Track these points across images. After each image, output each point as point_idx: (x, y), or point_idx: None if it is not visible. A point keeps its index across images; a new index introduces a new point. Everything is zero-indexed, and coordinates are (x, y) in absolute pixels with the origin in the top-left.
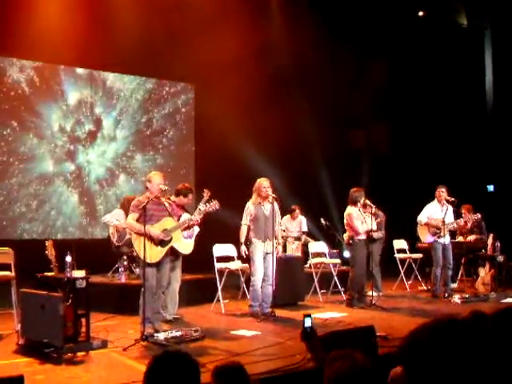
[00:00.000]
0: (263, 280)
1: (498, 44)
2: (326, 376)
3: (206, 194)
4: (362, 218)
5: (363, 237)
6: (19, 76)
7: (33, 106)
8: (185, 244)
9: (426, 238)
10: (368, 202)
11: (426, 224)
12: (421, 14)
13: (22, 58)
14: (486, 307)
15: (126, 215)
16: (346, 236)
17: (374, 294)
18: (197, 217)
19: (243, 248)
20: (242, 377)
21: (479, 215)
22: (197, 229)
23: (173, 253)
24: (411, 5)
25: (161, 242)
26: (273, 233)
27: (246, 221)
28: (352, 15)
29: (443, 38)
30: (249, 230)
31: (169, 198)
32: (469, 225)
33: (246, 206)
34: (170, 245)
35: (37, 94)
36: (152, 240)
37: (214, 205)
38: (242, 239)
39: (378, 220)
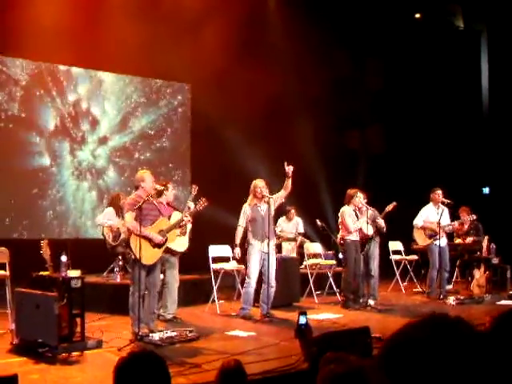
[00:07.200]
0: (263, 281)
1: (494, 47)
2: (321, 376)
3: (194, 189)
4: (354, 218)
5: (354, 237)
6: (15, 74)
7: (29, 104)
8: (179, 242)
9: (423, 241)
10: (364, 203)
11: (423, 227)
12: (417, 16)
13: (18, 56)
14: (481, 309)
15: (116, 212)
16: (338, 235)
17: (371, 301)
18: (188, 217)
19: (237, 250)
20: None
21: (475, 216)
22: (189, 225)
23: (169, 251)
24: (408, 7)
25: (158, 244)
26: (269, 232)
27: (241, 222)
28: (349, 16)
29: (440, 41)
30: (246, 231)
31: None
32: (466, 226)
33: (243, 207)
34: (165, 245)
35: (33, 93)
36: (150, 241)
37: (203, 203)
38: (237, 241)
39: (371, 212)
